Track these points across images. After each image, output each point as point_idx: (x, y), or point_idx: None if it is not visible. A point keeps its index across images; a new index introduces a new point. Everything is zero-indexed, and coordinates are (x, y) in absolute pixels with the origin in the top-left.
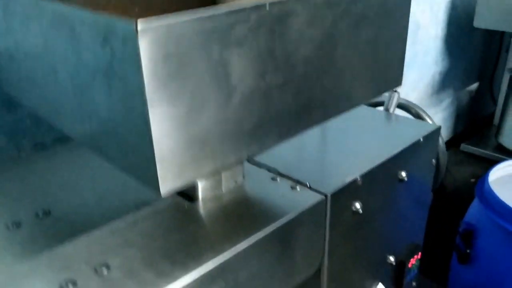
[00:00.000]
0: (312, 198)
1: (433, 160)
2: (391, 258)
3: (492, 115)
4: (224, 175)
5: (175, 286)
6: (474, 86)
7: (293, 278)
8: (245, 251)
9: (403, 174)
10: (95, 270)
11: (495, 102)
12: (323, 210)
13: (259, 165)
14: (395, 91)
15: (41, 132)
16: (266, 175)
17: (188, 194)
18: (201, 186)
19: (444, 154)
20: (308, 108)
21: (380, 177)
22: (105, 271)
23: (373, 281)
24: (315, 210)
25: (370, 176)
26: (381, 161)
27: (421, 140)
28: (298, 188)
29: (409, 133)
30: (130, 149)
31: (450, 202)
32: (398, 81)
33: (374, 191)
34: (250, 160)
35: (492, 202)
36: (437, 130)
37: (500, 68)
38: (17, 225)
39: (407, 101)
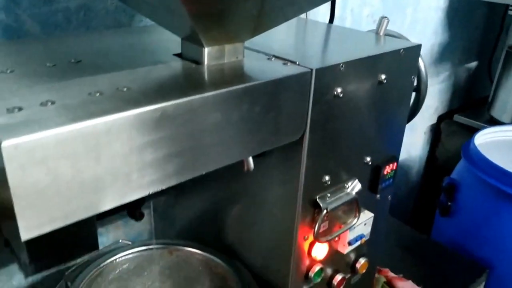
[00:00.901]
0: (300, 70)
1: (413, 77)
2: (368, 159)
3: (488, 97)
4: (227, 49)
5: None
6: (473, 64)
7: (278, 137)
8: (240, 92)
9: (383, 76)
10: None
11: (492, 83)
12: (308, 81)
13: (257, 51)
14: (385, 17)
15: (72, 27)
16: (263, 56)
17: (195, 60)
18: (206, 53)
19: (425, 83)
20: None
21: (361, 71)
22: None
23: (350, 177)
24: (301, 79)
25: (353, 66)
26: (363, 55)
27: (402, 50)
28: (289, 64)
29: (392, 45)
30: None
31: (440, 171)
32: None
33: (355, 82)
34: (247, 47)
35: (475, 159)
36: (418, 47)
37: (500, 50)
38: (52, 66)
39: (398, 33)
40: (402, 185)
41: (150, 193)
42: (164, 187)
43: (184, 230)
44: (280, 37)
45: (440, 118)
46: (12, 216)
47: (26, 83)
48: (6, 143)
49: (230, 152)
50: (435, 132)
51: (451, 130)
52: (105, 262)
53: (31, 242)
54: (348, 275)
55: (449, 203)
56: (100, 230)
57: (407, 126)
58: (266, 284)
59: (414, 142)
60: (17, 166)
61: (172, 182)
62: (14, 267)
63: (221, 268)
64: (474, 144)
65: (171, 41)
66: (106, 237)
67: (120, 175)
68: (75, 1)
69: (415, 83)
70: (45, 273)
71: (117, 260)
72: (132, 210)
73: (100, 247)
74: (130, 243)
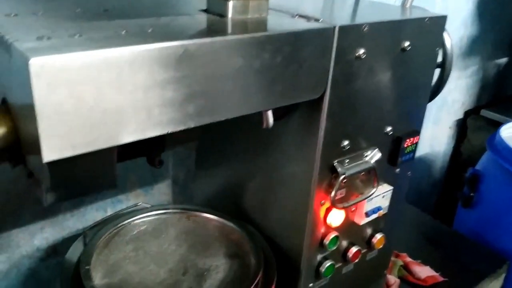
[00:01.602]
0: (322, 25)
1: (437, 49)
2: (388, 128)
3: None
4: (251, 5)
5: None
6: (503, 60)
7: (299, 93)
8: (262, 39)
9: (406, 43)
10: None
11: None
12: (331, 37)
13: (282, 12)
14: None
15: None
16: (286, 15)
17: (220, 13)
18: (231, 6)
19: (450, 59)
20: None
21: (384, 34)
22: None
23: (369, 145)
24: (323, 34)
25: (376, 28)
26: (386, 19)
27: (427, 19)
28: (312, 21)
29: (417, 14)
30: None
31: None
32: None
33: (378, 45)
34: (272, 8)
35: (500, 148)
36: (443, 18)
37: None
38: (81, 11)
39: (424, 8)
40: (424, 179)
41: (169, 132)
42: (183, 127)
43: (201, 198)
44: (307, 3)
45: (467, 114)
46: (36, 141)
47: (56, 21)
48: (33, 61)
49: (250, 100)
50: (461, 127)
51: (478, 126)
52: (124, 222)
53: (52, 172)
54: (364, 250)
55: (471, 194)
56: (120, 197)
57: (431, 119)
58: (281, 251)
59: (438, 136)
60: (42, 85)
61: (192, 124)
62: (35, 227)
63: (236, 234)
64: (499, 135)
65: (199, 0)
66: (126, 204)
67: (141, 108)
68: None
69: (439, 59)
70: (65, 235)
71: (136, 221)
72: (152, 157)
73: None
74: (149, 206)
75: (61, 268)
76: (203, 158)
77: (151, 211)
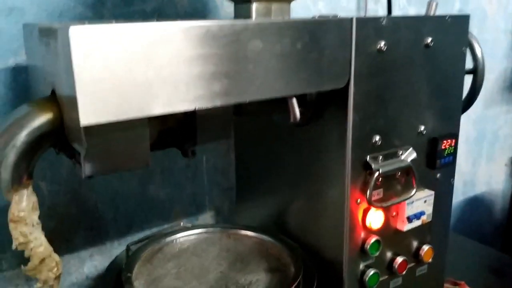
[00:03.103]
0: (340, 17)
1: (464, 49)
2: (421, 127)
3: None
4: (274, 8)
5: None
6: None
7: (321, 81)
8: (281, 25)
9: (429, 39)
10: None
11: None
12: (349, 28)
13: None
14: (434, 0)
15: None
16: (307, 17)
17: (244, 16)
18: (254, 8)
19: (481, 64)
20: None
21: (404, 29)
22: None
23: (403, 143)
24: (341, 24)
25: (394, 21)
26: (406, 15)
27: (448, 17)
28: (331, 17)
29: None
30: None
31: None
32: None
33: (399, 39)
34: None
35: None
36: (465, 17)
37: None
38: None
39: None
40: (485, 220)
41: (196, 108)
42: (210, 105)
43: (244, 223)
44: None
45: None
46: (75, 107)
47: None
48: (72, 29)
49: (273, 84)
50: None
51: None
52: (166, 240)
53: (89, 143)
54: (413, 264)
55: None
56: (165, 227)
57: (483, 156)
58: (323, 261)
59: (494, 174)
60: (80, 52)
61: (218, 102)
62: (85, 254)
63: (276, 248)
64: None
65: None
66: None
67: (169, 82)
68: (150, 5)
69: (470, 65)
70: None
71: (178, 239)
72: (185, 148)
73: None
74: (190, 226)
75: (103, 276)
76: (243, 180)
77: (193, 229)
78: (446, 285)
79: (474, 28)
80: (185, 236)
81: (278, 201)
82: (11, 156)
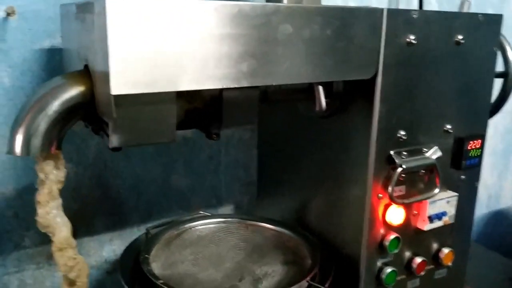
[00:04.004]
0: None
1: (495, 49)
2: (448, 126)
3: None
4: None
5: None
6: None
7: (349, 70)
8: (311, 10)
9: (460, 36)
10: None
11: None
12: (379, 18)
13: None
14: (467, 0)
15: None
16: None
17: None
18: None
19: None
20: None
21: (435, 24)
22: None
23: (429, 141)
24: (372, 14)
25: (425, 16)
26: (436, 10)
27: (480, 16)
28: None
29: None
30: None
31: None
32: None
33: (429, 33)
34: None
35: None
36: (499, 16)
37: None
38: None
39: None
40: (510, 236)
41: (223, 87)
42: (237, 84)
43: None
44: None
45: None
46: (106, 77)
47: None
48: (109, 1)
49: (299, 69)
50: None
51: None
52: (185, 226)
53: (118, 113)
54: (432, 266)
55: None
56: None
57: (510, 168)
58: (341, 256)
59: None
60: (115, 23)
61: (245, 82)
62: (105, 237)
63: (293, 241)
64: None
65: None
66: None
67: (198, 59)
68: None
69: (502, 69)
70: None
71: (197, 227)
72: (209, 130)
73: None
74: (209, 214)
75: (121, 256)
76: (265, 174)
77: (212, 218)
78: None
79: (508, 34)
80: (204, 225)
81: (299, 194)
82: (43, 124)
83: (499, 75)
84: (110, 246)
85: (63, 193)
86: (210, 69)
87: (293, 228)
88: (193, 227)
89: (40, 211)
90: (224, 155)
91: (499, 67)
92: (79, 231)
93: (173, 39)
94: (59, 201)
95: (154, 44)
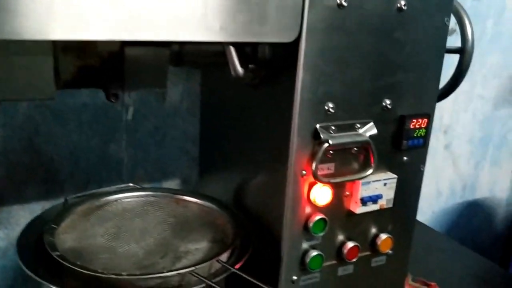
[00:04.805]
0: None
1: (446, 20)
2: (387, 101)
3: None
4: None
5: None
6: None
7: (266, 30)
8: None
9: (402, 2)
10: None
11: None
12: None
13: None
14: None
15: None
16: None
17: None
18: None
19: (470, 43)
20: None
21: None
22: None
23: (363, 116)
24: None
25: None
26: None
27: None
28: None
29: None
30: None
31: None
32: None
33: None
34: None
35: None
36: None
37: None
38: None
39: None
40: (484, 229)
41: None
42: (112, 38)
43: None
44: None
45: None
46: None
47: None
48: None
49: (209, 26)
50: None
51: None
52: (109, 198)
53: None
54: (368, 253)
55: None
56: None
57: (487, 159)
58: (267, 237)
59: (498, 180)
60: None
61: (125, 35)
62: (36, 206)
63: (222, 219)
64: None
65: None
66: None
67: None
68: None
69: (458, 44)
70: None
71: (123, 199)
72: (108, 90)
73: None
74: (139, 187)
75: (25, 227)
76: (206, 148)
77: (141, 191)
78: (416, 284)
79: (489, 19)
80: (131, 198)
81: (236, 171)
82: None
83: (455, 51)
84: None
85: None
86: (85, 20)
87: (224, 206)
88: (119, 199)
89: None
90: (171, 126)
91: (457, 42)
92: (7, 199)
93: None
94: None
95: None
